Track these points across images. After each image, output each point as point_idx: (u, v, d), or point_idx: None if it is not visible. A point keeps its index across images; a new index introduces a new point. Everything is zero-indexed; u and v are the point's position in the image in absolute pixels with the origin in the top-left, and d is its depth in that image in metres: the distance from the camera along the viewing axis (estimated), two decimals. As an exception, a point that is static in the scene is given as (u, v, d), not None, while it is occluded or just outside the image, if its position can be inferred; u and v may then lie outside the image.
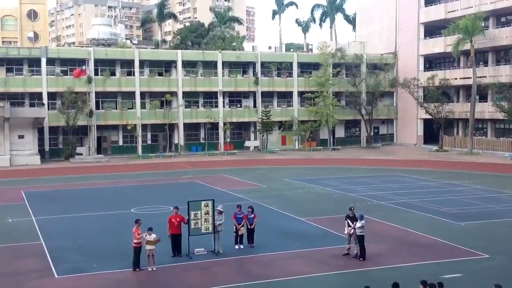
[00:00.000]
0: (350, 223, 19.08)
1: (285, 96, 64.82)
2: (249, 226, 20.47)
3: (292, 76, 64.24)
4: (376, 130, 68.30)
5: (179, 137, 60.18)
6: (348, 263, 18.43)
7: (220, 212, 19.88)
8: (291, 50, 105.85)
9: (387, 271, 17.41)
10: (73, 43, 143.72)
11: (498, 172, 42.40)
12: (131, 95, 58.68)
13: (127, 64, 58.94)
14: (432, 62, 67.23)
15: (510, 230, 23.17)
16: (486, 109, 57.05)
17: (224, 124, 60.39)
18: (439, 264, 18.20)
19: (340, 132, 67.46)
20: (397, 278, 15.16)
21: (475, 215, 26.08)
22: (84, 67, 55.84)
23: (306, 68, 65.81)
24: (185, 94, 60.34)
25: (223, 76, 61.64)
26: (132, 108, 58.65)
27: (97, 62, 57.30)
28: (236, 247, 20.27)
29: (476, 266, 18.10)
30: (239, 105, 63.55)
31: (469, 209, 27.74)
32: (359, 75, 65.02)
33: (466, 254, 19.35)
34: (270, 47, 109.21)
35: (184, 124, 60.26)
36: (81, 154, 54.85)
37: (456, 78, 60.37)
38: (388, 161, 50.59)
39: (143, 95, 59.01)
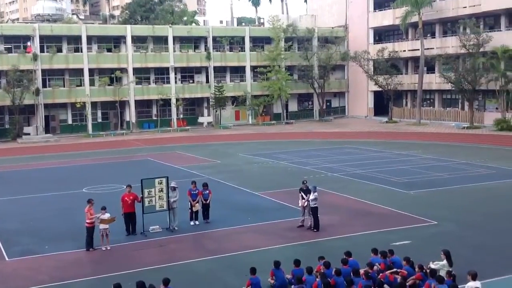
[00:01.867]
0: (304, 196, 19.34)
1: (237, 71, 64.51)
2: (204, 202, 20.47)
3: (244, 51, 63.91)
4: (328, 103, 69.04)
5: (131, 115, 59.22)
6: (303, 235, 18.72)
7: (174, 189, 19.77)
8: (243, 24, 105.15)
9: (340, 240, 17.79)
10: (17, 19, 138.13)
11: (445, 142, 43.72)
12: (79, 72, 57.12)
13: (74, 40, 57.19)
14: (381, 34, 68.15)
15: (457, 197, 24.02)
16: (434, 80, 58.46)
17: (177, 100, 59.77)
18: (390, 232, 18.72)
19: (293, 106, 67.87)
20: (349, 247, 15.54)
21: (424, 184, 26.89)
22: (29, 44, 53.92)
23: (258, 42, 65.56)
24: (136, 70, 59.22)
25: (174, 51, 60.73)
26: (80, 86, 57.20)
27: (43, 38, 55.34)
28: (192, 223, 20.25)
29: (425, 232, 18.71)
30: (191, 81, 62.90)
31: (418, 178, 28.57)
32: (311, 49, 65.30)
33: (416, 222, 19.97)
34: (221, 22, 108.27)
35: (136, 101, 59.28)
36: (29, 134, 53.32)
37: (405, 50, 61.47)
38: (340, 134, 51.35)
39: (91, 72, 57.56)
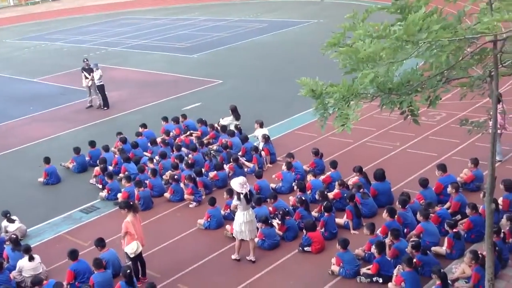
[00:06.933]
0: (87, 75, 18.44)
1: None
2: (-26, 99, 18.43)
3: None
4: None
5: None
6: (93, 115, 18.13)
7: None
8: None
9: (133, 114, 17.64)
10: None
11: (218, 2, 44.36)
12: None
13: None
14: None
15: (238, 54, 25.13)
16: None
17: None
18: (180, 97, 19.08)
19: (58, -20, 62.00)
20: (143, 119, 15.65)
21: (206, 46, 27.47)
22: None
23: None
24: None
25: None
26: None
27: None
28: (-35, 124, 18.27)
29: (212, 92, 19.46)
30: None
31: (199, 40, 29.02)
32: None
33: (203, 84, 20.57)
34: None
35: None
36: None
37: None
38: (114, 5, 48.82)
39: None
